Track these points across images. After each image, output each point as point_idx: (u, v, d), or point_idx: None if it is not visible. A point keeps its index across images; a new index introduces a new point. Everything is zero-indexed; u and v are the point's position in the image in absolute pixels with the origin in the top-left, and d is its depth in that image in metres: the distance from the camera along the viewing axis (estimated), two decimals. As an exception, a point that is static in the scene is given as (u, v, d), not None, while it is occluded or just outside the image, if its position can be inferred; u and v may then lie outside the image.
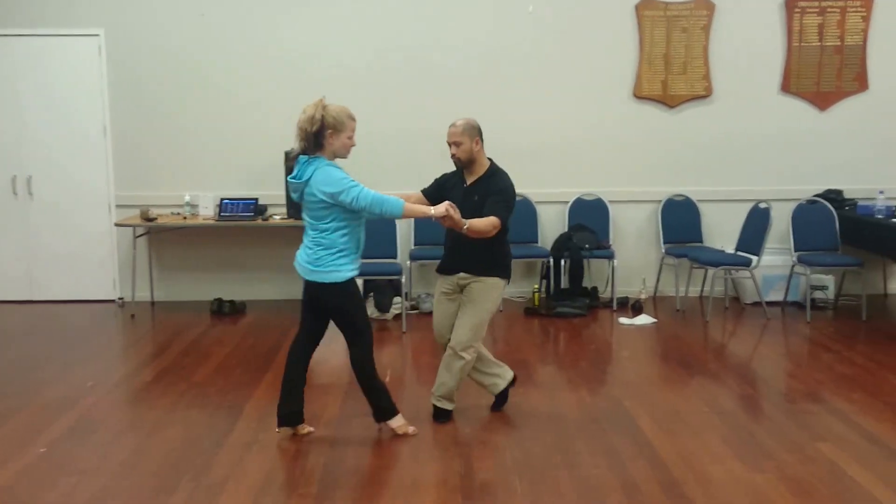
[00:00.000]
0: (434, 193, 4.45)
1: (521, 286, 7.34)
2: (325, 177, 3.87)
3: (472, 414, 4.57)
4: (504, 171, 4.38)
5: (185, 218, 6.99)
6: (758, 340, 6.19)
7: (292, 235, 7.17)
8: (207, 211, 7.00)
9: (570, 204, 7.27)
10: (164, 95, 7.24)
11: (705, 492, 3.58)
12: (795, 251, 6.93)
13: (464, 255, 4.33)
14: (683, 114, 7.36)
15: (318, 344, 4.30)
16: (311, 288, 4.09)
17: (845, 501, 3.50)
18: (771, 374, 5.36)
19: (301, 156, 3.95)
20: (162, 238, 7.34)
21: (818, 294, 7.00)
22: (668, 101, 7.31)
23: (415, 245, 7.20)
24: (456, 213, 4.01)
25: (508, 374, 4.61)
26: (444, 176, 4.53)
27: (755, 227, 6.83)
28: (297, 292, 7.12)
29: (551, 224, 7.34)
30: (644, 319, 6.61)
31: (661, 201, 7.33)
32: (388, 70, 7.23)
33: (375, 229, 6.87)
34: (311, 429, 4.32)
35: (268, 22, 7.17)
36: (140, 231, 7.11)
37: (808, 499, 3.51)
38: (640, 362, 5.62)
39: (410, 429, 4.27)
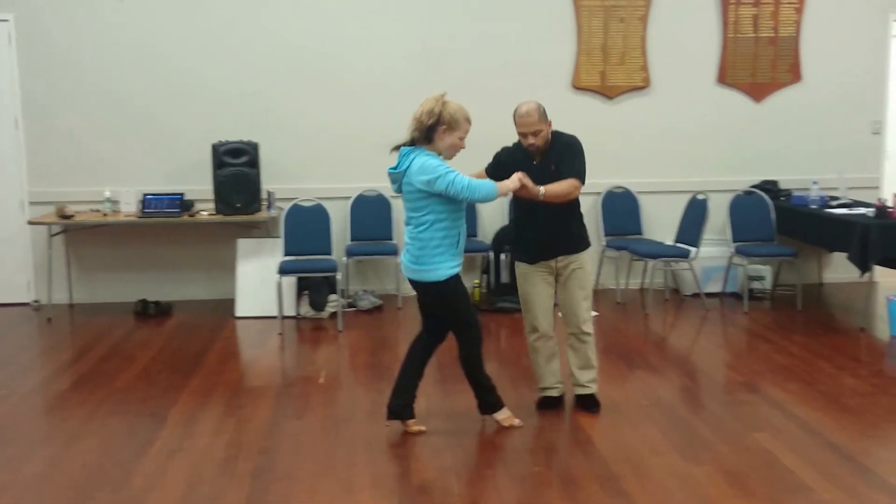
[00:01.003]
0: (497, 172, 4.29)
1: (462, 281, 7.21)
2: (420, 165, 3.87)
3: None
4: (560, 131, 4.32)
5: (105, 215, 6.67)
6: (697, 332, 6.18)
7: (221, 232, 6.97)
8: (130, 207, 6.69)
9: (509, 197, 7.13)
10: (81, 85, 6.87)
11: (643, 486, 3.58)
12: (733, 242, 6.94)
13: (557, 237, 4.30)
14: (622, 105, 7.31)
15: (439, 340, 4.26)
16: (415, 287, 4.09)
17: (780, 490, 3.53)
18: (710, 365, 5.36)
19: (403, 147, 3.95)
20: (80, 236, 6.98)
21: (755, 284, 7.03)
22: (607, 91, 7.25)
23: (351, 241, 7.00)
24: (528, 181, 3.99)
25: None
26: (505, 152, 4.41)
27: (693, 219, 6.82)
28: (226, 291, 7.05)
29: (491, 218, 7.23)
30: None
31: (600, 193, 7.28)
32: (310, 63, 7.02)
33: (309, 224, 6.68)
34: (423, 428, 4.21)
35: (188, 7, 6.88)
36: (56, 229, 6.74)
37: (744, 489, 3.54)
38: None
39: (516, 421, 4.23)
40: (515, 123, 4.23)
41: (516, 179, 3.98)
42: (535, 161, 4.27)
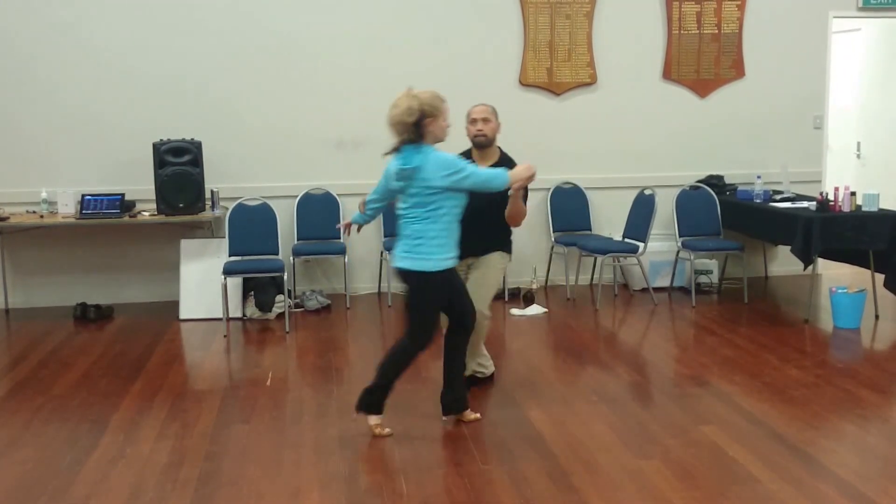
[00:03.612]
0: None
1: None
2: (438, 162, 3.89)
3: (357, 415, 4.34)
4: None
5: (41, 216, 6.47)
6: (646, 327, 6.23)
7: (163, 233, 6.81)
8: (67, 208, 6.49)
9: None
10: (14, 80, 6.65)
11: (593, 481, 3.59)
12: (680, 237, 7.01)
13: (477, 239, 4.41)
14: (569, 101, 7.33)
15: (467, 328, 4.22)
16: (399, 275, 4.08)
17: (727, 482, 3.56)
18: (658, 359, 5.40)
19: (406, 144, 3.92)
20: (16, 239, 6.76)
21: (703, 279, 7.11)
22: (554, 88, 7.26)
23: (297, 240, 6.90)
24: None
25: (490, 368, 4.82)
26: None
27: (641, 214, 6.86)
28: (170, 293, 6.89)
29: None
30: (535, 310, 6.54)
31: (549, 189, 7.29)
32: (243, 61, 6.90)
33: (255, 224, 6.57)
34: (478, 415, 4.28)
35: (128, 0, 6.70)
36: (-10, 232, 6.53)
37: (692, 482, 3.56)
38: (531, 354, 5.56)
39: (387, 430, 4.13)
40: (468, 117, 4.43)
41: (530, 167, 4.02)
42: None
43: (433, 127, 3.92)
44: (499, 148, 4.57)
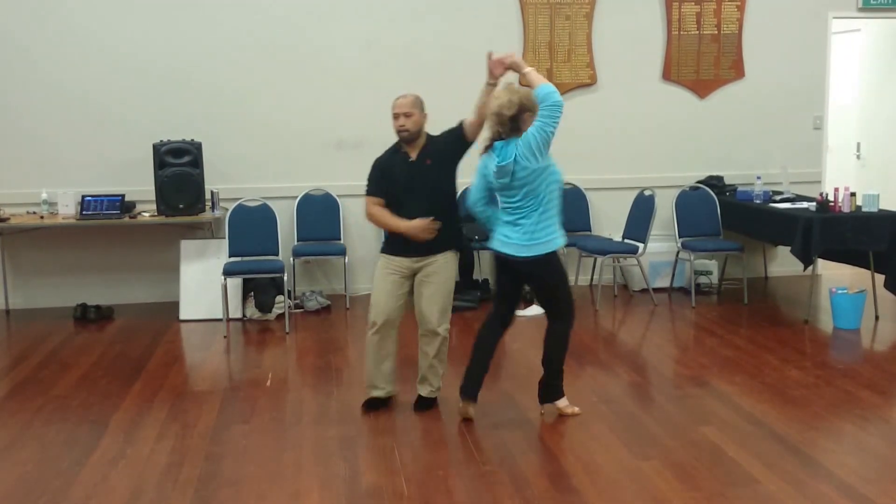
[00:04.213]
0: (382, 188, 4.31)
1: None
2: (526, 145, 3.96)
3: (357, 416, 4.40)
4: (435, 134, 4.38)
5: (42, 217, 6.47)
6: (646, 327, 6.23)
7: (164, 233, 6.81)
8: (68, 209, 6.48)
9: (458, 195, 7.10)
10: (12, 81, 6.65)
11: (593, 482, 3.60)
12: (679, 237, 7.01)
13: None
14: (569, 102, 7.14)
15: (508, 325, 4.39)
16: (525, 266, 4.09)
17: (727, 483, 3.57)
18: (658, 360, 5.39)
19: (497, 142, 4.02)
20: (16, 240, 6.75)
21: (702, 279, 7.11)
22: (553, 89, 7.26)
23: (297, 241, 6.90)
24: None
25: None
26: (378, 164, 4.36)
27: (640, 215, 6.87)
28: (170, 294, 6.89)
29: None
30: (535, 310, 6.51)
31: (548, 190, 7.28)
32: (248, 64, 6.90)
33: (255, 225, 6.57)
34: (576, 409, 4.33)
35: (130, 2, 6.70)
36: (-10, 233, 6.54)
37: (692, 483, 3.56)
38: (531, 354, 5.53)
39: (576, 409, 4.33)
40: (392, 110, 4.28)
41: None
42: (412, 159, 4.28)
43: (530, 122, 3.98)
44: (426, 133, 4.33)
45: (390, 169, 4.31)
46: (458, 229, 4.46)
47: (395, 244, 4.36)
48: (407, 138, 4.27)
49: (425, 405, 4.43)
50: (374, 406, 4.42)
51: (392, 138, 4.37)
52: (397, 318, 4.37)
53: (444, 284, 4.32)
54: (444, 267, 4.32)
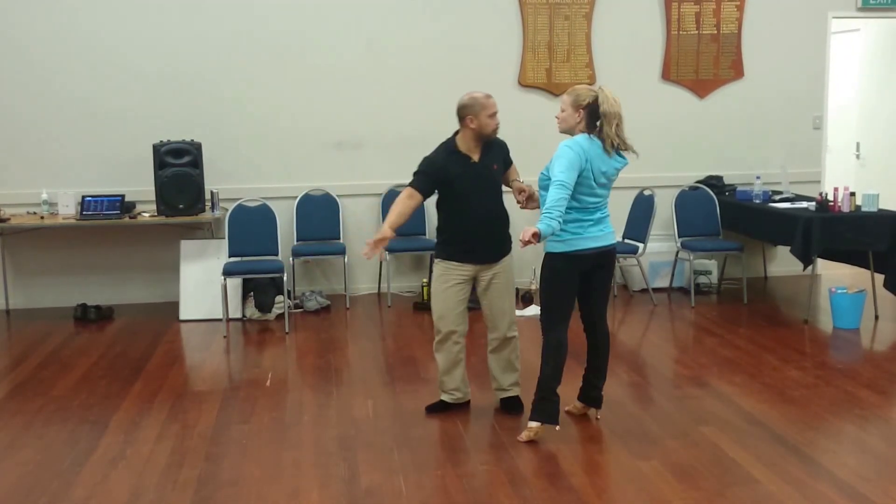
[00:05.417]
0: (436, 183, 4.22)
1: (410, 280, 7.17)
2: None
3: (357, 416, 4.40)
4: None
5: (42, 218, 6.46)
6: (645, 327, 6.23)
7: (163, 234, 6.81)
8: (68, 209, 6.48)
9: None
10: (12, 82, 6.65)
11: (592, 482, 3.60)
12: (679, 237, 7.01)
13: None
14: (568, 102, 7.30)
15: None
16: (606, 257, 4.14)
17: (727, 483, 3.57)
18: (658, 360, 5.40)
19: (587, 136, 4.18)
20: (17, 240, 6.75)
21: (702, 279, 7.10)
22: (553, 89, 7.26)
23: (297, 241, 6.90)
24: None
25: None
26: (436, 163, 4.21)
27: (640, 215, 6.87)
28: (170, 294, 6.88)
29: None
30: (534, 311, 6.53)
31: (548, 190, 7.28)
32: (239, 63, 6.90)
33: (254, 225, 6.56)
34: (529, 436, 4.06)
35: (128, 2, 6.70)
36: (-9, 233, 6.53)
37: (692, 483, 3.57)
38: (530, 354, 5.51)
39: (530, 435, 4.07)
40: (483, 106, 4.15)
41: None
42: (474, 160, 4.22)
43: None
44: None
45: (453, 169, 4.19)
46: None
47: (459, 251, 4.25)
48: (491, 137, 4.23)
49: (517, 405, 4.39)
50: (443, 408, 4.39)
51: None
52: (466, 325, 4.35)
53: (511, 289, 4.42)
54: (509, 271, 4.39)
